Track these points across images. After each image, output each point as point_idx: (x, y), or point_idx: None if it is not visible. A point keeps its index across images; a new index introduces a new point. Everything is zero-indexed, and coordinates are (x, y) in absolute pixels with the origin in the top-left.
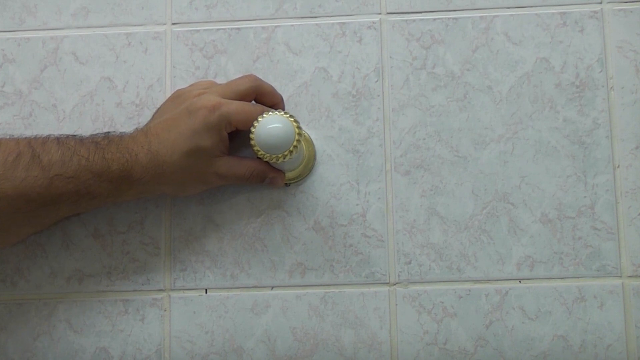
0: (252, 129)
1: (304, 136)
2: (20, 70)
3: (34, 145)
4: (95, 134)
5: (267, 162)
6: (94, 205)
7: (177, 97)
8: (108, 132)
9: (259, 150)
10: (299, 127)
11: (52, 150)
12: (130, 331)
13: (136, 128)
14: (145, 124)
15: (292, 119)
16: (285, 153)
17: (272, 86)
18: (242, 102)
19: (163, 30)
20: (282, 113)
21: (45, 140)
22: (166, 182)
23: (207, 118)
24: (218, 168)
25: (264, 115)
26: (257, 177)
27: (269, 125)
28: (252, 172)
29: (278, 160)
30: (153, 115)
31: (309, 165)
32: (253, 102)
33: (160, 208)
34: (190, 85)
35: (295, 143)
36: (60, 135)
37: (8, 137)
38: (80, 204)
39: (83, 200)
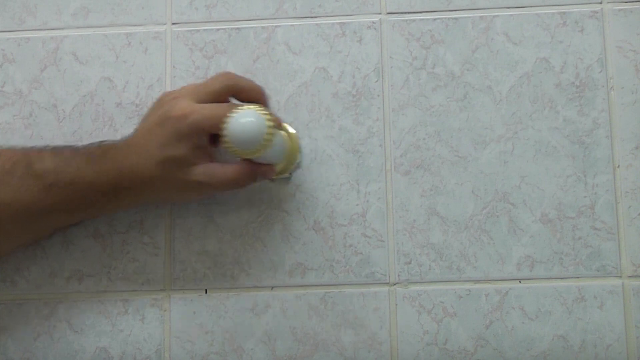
0: (224, 125)
1: (284, 128)
2: (20, 70)
3: (30, 155)
4: (90, 144)
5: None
6: (89, 216)
7: (159, 100)
8: (102, 142)
9: (230, 147)
10: (270, 120)
11: (47, 160)
12: (130, 331)
13: (129, 135)
14: (133, 131)
15: (263, 112)
16: (258, 147)
17: (250, 81)
18: (214, 105)
19: (163, 30)
20: (255, 107)
21: (41, 150)
22: (150, 191)
23: (177, 128)
24: (197, 176)
25: (235, 110)
26: (248, 177)
27: (240, 120)
28: (240, 173)
29: (252, 156)
30: (140, 120)
31: (293, 159)
32: (234, 100)
33: (160, 208)
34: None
35: (266, 136)
36: (57, 145)
37: (7, 147)
38: (75, 213)
39: (77, 210)
